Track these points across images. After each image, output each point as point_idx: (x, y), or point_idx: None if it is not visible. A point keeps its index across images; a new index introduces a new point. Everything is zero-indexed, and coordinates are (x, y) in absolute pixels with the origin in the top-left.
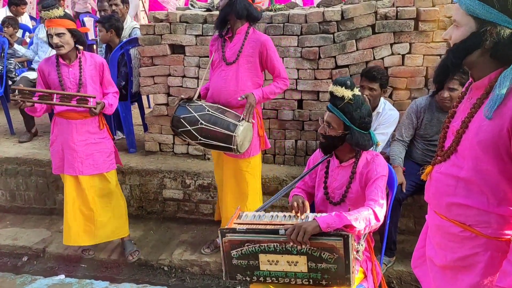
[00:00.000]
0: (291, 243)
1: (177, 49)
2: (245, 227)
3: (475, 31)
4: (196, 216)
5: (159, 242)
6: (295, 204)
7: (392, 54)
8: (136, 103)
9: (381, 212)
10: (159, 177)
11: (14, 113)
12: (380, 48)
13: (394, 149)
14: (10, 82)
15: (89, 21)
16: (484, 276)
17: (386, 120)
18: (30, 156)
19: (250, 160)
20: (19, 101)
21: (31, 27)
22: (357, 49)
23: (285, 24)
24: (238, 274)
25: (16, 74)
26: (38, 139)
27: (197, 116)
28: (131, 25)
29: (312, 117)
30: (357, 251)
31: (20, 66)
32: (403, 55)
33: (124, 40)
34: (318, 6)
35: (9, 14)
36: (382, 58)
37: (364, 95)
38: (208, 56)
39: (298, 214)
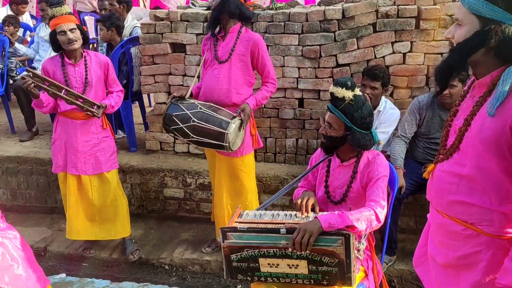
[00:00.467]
0: (290, 249)
1: (178, 47)
2: (246, 226)
3: (479, 30)
4: (197, 215)
5: (160, 241)
6: (299, 201)
7: (393, 52)
8: (137, 102)
9: (382, 213)
10: (160, 176)
11: (15, 112)
12: (381, 46)
13: (396, 147)
14: (11, 81)
15: (89, 20)
16: (486, 274)
17: (387, 119)
18: (31, 155)
19: (243, 158)
20: (30, 82)
21: (32, 26)
22: (358, 48)
23: (286, 22)
24: (239, 274)
25: (17, 73)
26: (39, 138)
27: (189, 114)
28: (132, 24)
29: (313, 115)
30: (358, 250)
31: (21, 65)
32: (404, 54)
33: (125, 39)
34: (319, 4)
35: (10, 13)
36: (383, 57)
37: (366, 94)
38: None
39: (299, 214)
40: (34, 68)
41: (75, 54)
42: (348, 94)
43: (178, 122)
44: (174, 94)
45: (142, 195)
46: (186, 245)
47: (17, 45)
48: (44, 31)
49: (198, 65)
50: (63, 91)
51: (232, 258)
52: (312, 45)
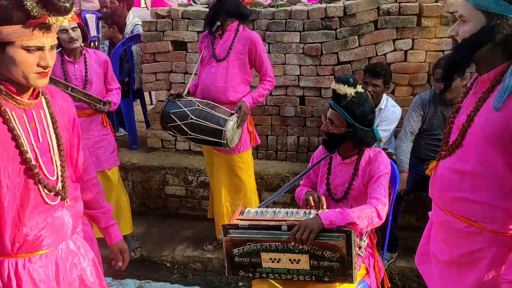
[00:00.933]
0: (293, 243)
1: (179, 45)
2: (247, 223)
3: (485, 25)
4: (198, 212)
5: (162, 239)
6: (311, 198)
7: (395, 50)
8: (138, 100)
9: (384, 210)
10: (161, 173)
11: None
12: (382, 44)
13: (404, 147)
14: None
15: (91, 18)
16: (490, 271)
17: (389, 116)
18: None
19: (241, 155)
20: None
21: None
22: (359, 45)
23: (287, 20)
24: (241, 271)
25: None
26: None
27: (187, 111)
28: (133, 21)
29: (314, 113)
30: (360, 247)
31: None
32: (405, 51)
33: (126, 36)
34: (320, 2)
35: None
36: (385, 54)
37: (367, 91)
38: None
39: (300, 210)
40: None
41: (75, 52)
42: (350, 91)
43: (176, 119)
44: (172, 91)
45: (144, 192)
46: (188, 243)
47: None
48: None
49: None
50: (69, 88)
51: (234, 252)
52: (314, 43)
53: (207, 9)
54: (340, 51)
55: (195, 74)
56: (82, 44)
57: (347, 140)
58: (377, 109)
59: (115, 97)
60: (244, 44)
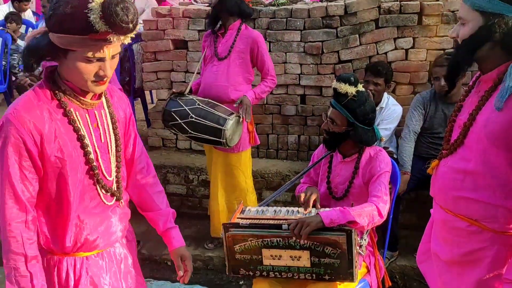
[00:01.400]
0: (294, 238)
1: (180, 44)
2: (248, 222)
3: (482, 25)
4: (199, 211)
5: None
6: (302, 196)
7: (396, 48)
8: (139, 99)
9: (385, 208)
10: (162, 172)
11: None
12: (383, 42)
13: (407, 147)
14: (13, 78)
15: None
16: (491, 270)
17: (389, 115)
18: None
19: (240, 155)
20: (26, 80)
21: (34, 22)
22: (360, 44)
23: (288, 19)
24: (241, 269)
25: (20, 69)
26: None
27: (188, 110)
28: None
29: (315, 112)
30: (360, 246)
31: None
32: (406, 50)
33: None
34: (321, 0)
35: (12, 10)
36: (386, 53)
37: (368, 90)
38: None
39: (301, 210)
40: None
41: None
42: (351, 90)
43: (177, 117)
44: (174, 90)
45: None
46: (189, 241)
47: (19, 42)
48: None
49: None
50: None
51: (235, 249)
52: (314, 42)
53: (208, 8)
54: (341, 49)
55: (198, 73)
56: None
57: (348, 139)
58: (378, 108)
59: None
60: (246, 43)
